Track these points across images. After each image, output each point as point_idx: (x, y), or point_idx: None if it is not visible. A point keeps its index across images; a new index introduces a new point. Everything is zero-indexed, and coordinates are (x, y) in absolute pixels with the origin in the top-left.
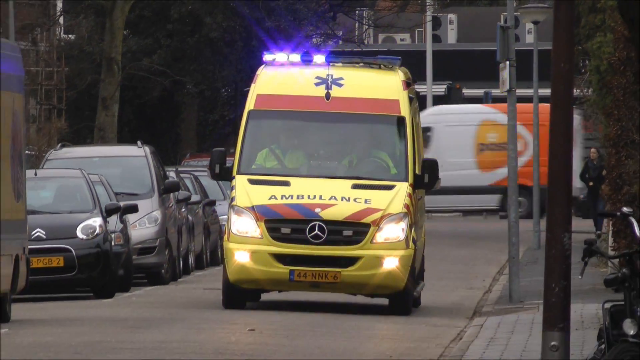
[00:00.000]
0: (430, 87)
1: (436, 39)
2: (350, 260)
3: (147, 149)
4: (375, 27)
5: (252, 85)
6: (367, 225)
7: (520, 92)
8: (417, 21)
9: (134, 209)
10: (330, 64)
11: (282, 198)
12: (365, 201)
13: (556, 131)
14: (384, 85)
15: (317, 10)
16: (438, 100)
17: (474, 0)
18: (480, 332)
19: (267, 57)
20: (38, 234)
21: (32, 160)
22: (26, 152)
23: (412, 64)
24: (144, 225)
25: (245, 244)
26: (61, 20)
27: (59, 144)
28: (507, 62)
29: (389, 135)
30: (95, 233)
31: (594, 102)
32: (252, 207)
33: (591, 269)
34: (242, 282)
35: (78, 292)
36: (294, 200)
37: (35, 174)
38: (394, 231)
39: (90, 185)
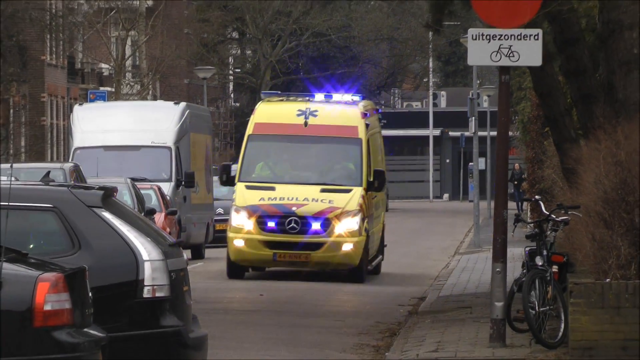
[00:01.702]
0: (431, 131)
1: (435, 105)
2: (318, 245)
3: None
4: (402, 98)
5: (252, 116)
6: (330, 219)
7: (480, 134)
8: (424, 95)
9: None
10: (310, 100)
11: (268, 199)
12: (329, 201)
13: (500, 154)
14: (346, 115)
15: (370, 89)
16: (435, 139)
17: (456, 84)
18: (458, 263)
19: (264, 96)
20: (219, 210)
21: (216, 172)
22: (213, 167)
23: (422, 119)
24: None
25: (241, 233)
26: (232, 95)
27: (231, 163)
28: (473, 117)
29: (349, 152)
30: None
31: (520, 139)
32: (247, 206)
33: (518, 230)
34: (240, 261)
35: None
36: (277, 201)
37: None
38: (350, 223)
39: None
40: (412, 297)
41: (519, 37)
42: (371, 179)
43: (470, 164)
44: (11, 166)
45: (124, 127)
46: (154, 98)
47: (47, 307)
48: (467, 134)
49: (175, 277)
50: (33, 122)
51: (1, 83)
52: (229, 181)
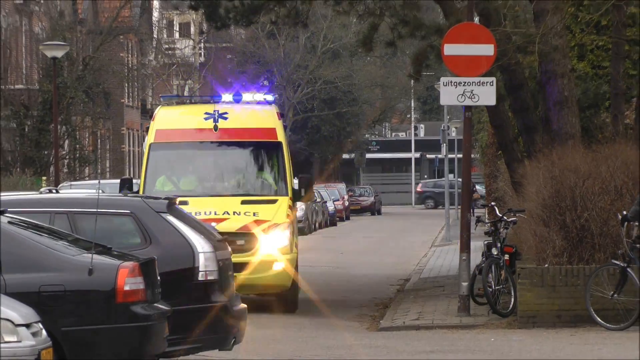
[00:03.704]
0: (413, 154)
1: (416, 134)
2: (243, 266)
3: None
4: (391, 130)
5: (152, 122)
6: (256, 235)
7: (450, 156)
8: (408, 127)
9: None
10: (216, 102)
11: None
12: (254, 214)
13: (464, 172)
14: (261, 116)
15: (367, 123)
16: (416, 160)
17: (432, 119)
18: (434, 253)
19: (163, 100)
20: None
21: None
22: None
23: (406, 145)
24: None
25: None
26: None
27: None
28: (444, 144)
29: (269, 158)
30: None
31: (479, 160)
32: None
33: (479, 228)
34: None
35: None
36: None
37: None
38: (280, 239)
39: None
40: (399, 279)
41: (478, 84)
42: (295, 187)
43: (442, 179)
44: (99, 182)
45: None
46: None
47: (127, 288)
48: (440, 156)
49: (222, 265)
50: (115, 149)
51: (92, 120)
52: None
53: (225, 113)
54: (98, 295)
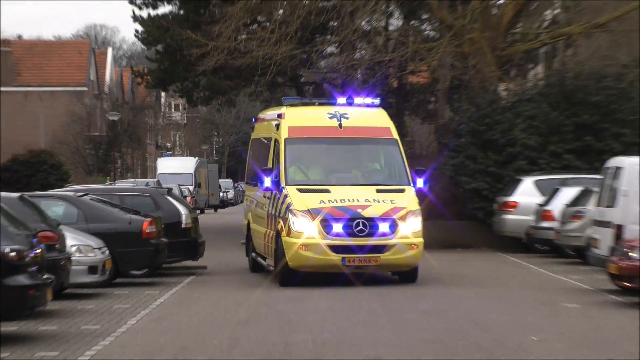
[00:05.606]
0: None
1: None
2: (387, 247)
3: None
4: None
5: (282, 120)
6: (397, 220)
7: None
8: None
9: None
10: (333, 104)
11: (329, 202)
12: (391, 202)
13: None
14: (376, 117)
15: None
16: None
17: None
18: None
19: (286, 101)
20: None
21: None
22: (206, 182)
23: None
24: None
25: (303, 239)
26: (215, 154)
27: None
28: None
29: (389, 152)
30: None
31: None
32: (308, 210)
33: None
34: (301, 267)
35: None
36: (339, 204)
37: None
38: (415, 224)
39: None
40: None
41: None
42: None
43: None
44: (134, 181)
45: (176, 165)
46: (187, 155)
47: (147, 231)
48: None
49: (193, 220)
50: (142, 164)
51: (131, 150)
52: (273, 186)
53: (345, 113)
54: (133, 234)
